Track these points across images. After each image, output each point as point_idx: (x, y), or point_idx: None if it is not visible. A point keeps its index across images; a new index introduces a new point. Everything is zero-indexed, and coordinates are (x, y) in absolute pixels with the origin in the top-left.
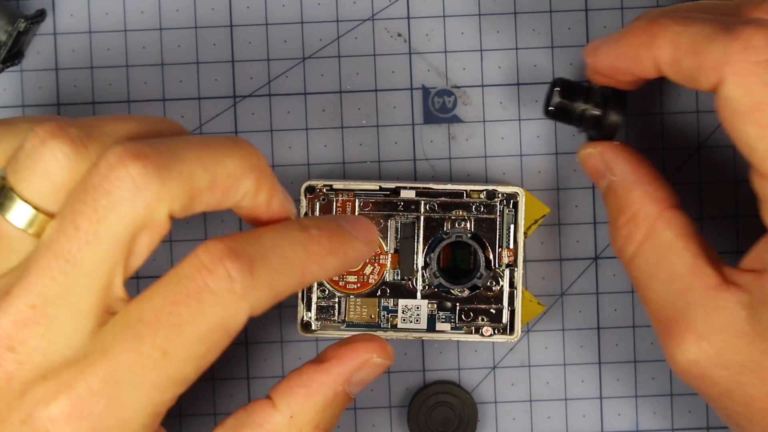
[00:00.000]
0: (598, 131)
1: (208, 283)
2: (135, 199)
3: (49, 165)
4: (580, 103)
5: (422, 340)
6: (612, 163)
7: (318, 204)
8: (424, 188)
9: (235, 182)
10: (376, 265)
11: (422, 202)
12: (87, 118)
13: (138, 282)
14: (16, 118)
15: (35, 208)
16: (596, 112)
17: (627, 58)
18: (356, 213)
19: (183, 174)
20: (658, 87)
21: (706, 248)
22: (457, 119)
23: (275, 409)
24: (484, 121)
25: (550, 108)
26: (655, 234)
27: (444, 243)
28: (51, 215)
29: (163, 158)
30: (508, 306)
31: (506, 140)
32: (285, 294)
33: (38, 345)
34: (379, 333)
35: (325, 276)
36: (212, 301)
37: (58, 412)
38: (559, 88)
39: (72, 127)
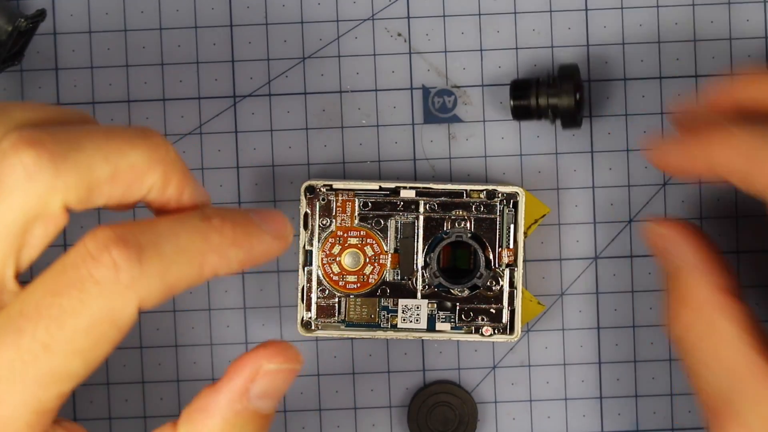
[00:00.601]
0: (562, 119)
1: (92, 273)
2: (26, 189)
3: None
4: (532, 99)
5: (422, 340)
6: (676, 247)
7: (318, 204)
8: (424, 188)
9: (139, 175)
10: (376, 264)
11: (422, 201)
12: None
13: None
14: None
15: None
16: (552, 101)
17: (696, 167)
18: (356, 213)
19: (80, 164)
20: None
21: (762, 339)
22: (457, 119)
23: None
24: (484, 121)
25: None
26: (714, 326)
27: (444, 243)
28: None
29: (60, 146)
30: (508, 306)
31: (506, 140)
32: (180, 286)
33: None
34: (379, 333)
35: (228, 269)
36: (95, 292)
37: None
38: (510, 91)
39: None
